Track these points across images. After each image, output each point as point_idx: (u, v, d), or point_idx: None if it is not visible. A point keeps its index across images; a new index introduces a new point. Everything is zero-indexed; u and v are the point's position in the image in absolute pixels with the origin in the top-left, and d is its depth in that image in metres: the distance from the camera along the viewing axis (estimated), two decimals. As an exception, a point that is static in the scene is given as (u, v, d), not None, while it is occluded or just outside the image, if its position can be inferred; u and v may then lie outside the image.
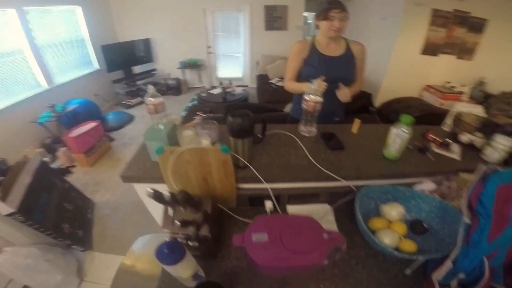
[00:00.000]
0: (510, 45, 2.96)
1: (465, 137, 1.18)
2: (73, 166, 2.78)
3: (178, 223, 0.64)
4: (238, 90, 4.29)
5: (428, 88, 3.30)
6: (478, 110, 1.31)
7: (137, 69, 4.81)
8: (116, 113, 4.04)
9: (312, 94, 1.09)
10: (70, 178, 2.50)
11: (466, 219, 0.64)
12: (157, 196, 0.60)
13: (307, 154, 1.03)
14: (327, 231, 0.61)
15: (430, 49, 3.04)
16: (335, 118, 1.53)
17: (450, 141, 1.15)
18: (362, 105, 3.07)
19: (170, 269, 0.60)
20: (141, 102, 4.42)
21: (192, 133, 0.96)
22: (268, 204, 0.87)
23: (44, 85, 3.40)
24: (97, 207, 2.23)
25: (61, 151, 2.79)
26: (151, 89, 1.05)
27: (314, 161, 0.98)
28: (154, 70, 4.95)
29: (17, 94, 3.02)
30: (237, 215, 0.86)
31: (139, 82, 4.71)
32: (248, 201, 1.07)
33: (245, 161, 0.93)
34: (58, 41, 3.62)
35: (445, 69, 3.20)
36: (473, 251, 0.64)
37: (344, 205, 0.89)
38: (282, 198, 0.98)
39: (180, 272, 0.63)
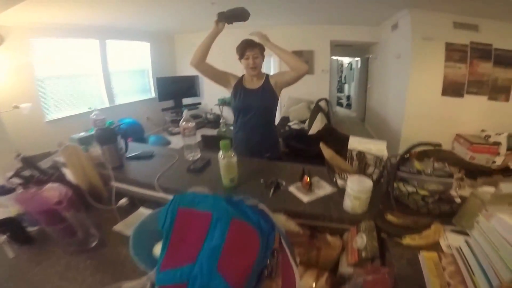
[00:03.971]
0: None
1: (339, 181, 1.04)
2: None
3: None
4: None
5: (458, 137, 2.78)
6: (379, 148, 1.11)
7: (186, 101, 5.60)
8: (157, 137, 4.61)
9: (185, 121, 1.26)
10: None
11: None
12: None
13: (162, 169, 1.17)
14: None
15: (452, 89, 2.62)
16: (265, 155, 1.49)
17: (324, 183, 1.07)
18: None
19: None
20: (183, 130, 5.11)
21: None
22: (123, 200, 1.09)
23: (107, 103, 4.44)
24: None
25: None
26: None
27: (158, 174, 1.12)
28: (199, 103, 5.66)
29: (87, 105, 3.94)
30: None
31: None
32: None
33: (105, 163, 1.16)
34: (125, 69, 4.72)
35: (477, 114, 2.66)
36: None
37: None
38: (136, 199, 1.14)
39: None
